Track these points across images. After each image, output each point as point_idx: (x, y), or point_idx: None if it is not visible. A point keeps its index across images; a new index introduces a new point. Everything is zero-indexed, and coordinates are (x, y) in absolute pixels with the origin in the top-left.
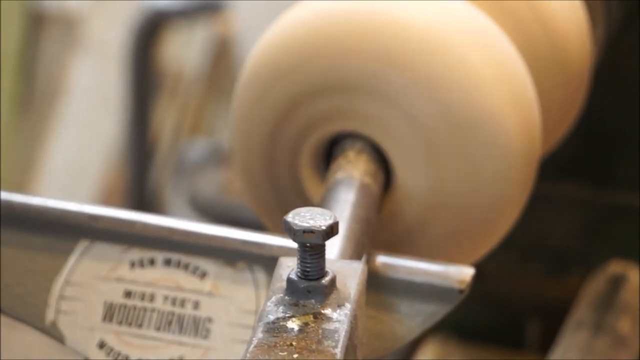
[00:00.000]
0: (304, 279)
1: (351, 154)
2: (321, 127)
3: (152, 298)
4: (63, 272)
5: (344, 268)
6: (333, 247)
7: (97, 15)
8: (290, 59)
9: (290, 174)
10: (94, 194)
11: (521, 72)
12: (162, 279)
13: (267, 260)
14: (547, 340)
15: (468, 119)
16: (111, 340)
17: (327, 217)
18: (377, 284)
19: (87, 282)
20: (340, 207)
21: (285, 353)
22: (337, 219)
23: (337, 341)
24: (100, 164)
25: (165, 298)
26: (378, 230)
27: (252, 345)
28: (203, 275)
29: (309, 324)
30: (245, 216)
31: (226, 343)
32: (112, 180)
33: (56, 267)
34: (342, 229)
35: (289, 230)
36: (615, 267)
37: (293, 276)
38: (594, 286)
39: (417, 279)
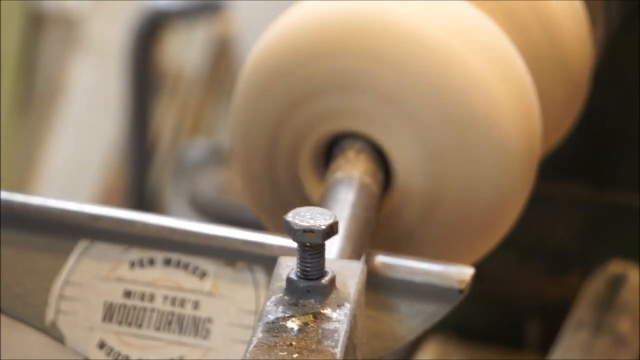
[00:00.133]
0: (303, 278)
1: (351, 154)
2: (321, 126)
3: (152, 298)
4: (63, 272)
5: (343, 268)
6: (333, 247)
7: (97, 15)
8: (290, 59)
9: (290, 174)
10: (94, 194)
11: (521, 73)
12: (162, 279)
13: (267, 260)
14: (547, 340)
15: (468, 119)
16: (111, 340)
17: (327, 217)
18: (376, 284)
19: (87, 282)
20: (339, 207)
21: (285, 353)
22: (337, 219)
23: (337, 341)
24: (100, 164)
25: (165, 298)
26: (378, 230)
27: (252, 345)
28: (203, 275)
29: (308, 324)
30: (245, 216)
31: (226, 343)
32: (112, 180)
33: (56, 267)
34: (341, 228)
35: (288, 230)
36: (615, 267)
37: (293, 276)
38: (594, 286)
39: (417, 279)
